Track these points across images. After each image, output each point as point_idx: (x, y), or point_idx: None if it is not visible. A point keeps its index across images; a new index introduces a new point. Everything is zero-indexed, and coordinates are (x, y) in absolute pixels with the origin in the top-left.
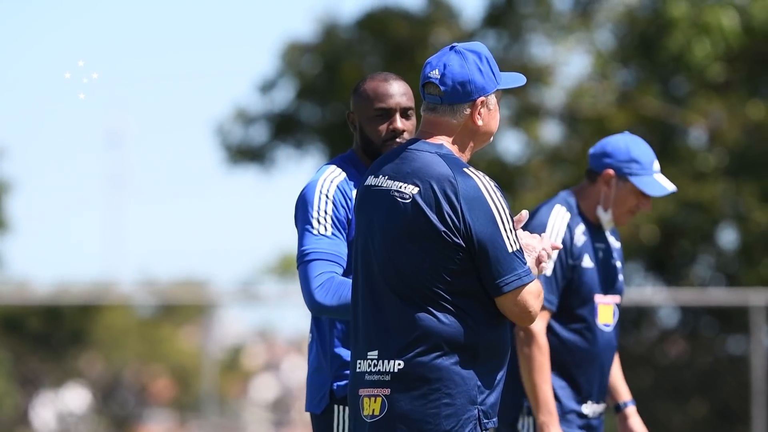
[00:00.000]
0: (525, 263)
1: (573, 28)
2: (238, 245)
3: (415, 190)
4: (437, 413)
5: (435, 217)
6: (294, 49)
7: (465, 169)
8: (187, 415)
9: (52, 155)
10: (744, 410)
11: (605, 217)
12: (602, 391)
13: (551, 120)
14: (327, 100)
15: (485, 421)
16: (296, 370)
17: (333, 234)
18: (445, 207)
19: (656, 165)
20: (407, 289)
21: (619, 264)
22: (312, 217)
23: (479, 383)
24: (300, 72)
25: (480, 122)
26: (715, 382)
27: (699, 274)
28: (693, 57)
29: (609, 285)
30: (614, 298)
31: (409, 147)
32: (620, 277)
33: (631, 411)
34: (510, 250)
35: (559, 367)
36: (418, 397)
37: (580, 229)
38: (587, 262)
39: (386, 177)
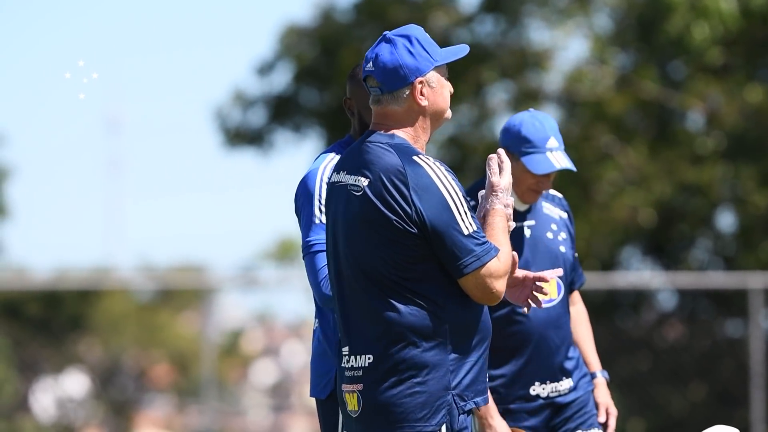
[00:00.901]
0: (485, 242)
1: (571, 13)
2: (237, 230)
3: (366, 182)
4: (409, 402)
5: (384, 207)
6: (292, 33)
7: (414, 157)
8: (186, 400)
9: (51, 141)
10: (743, 393)
11: (514, 198)
12: (557, 369)
13: (550, 104)
14: (325, 83)
15: (462, 403)
16: (295, 355)
17: None
18: (395, 197)
19: (551, 142)
20: (369, 282)
21: (559, 236)
22: (315, 206)
23: (452, 368)
24: (298, 55)
25: (424, 102)
26: (713, 365)
27: (697, 258)
28: (691, 41)
29: (543, 258)
30: (555, 272)
31: (365, 140)
32: (561, 249)
33: (599, 382)
34: (466, 233)
35: (494, 355)
36: (389, 388)
37: None
38: None
39: (345, 172)
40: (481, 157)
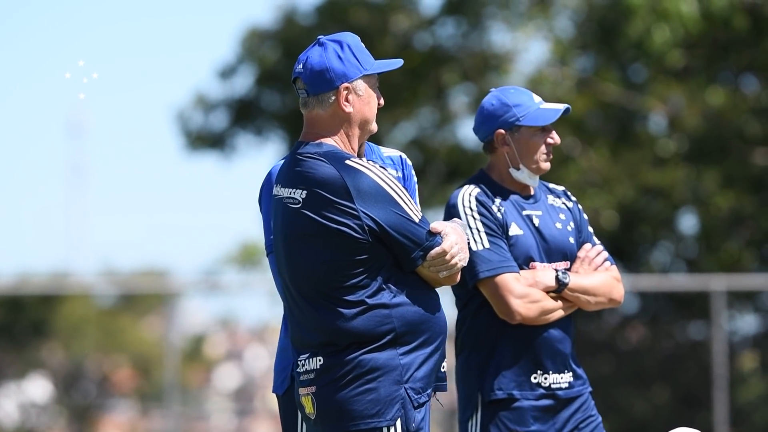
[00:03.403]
0: (434, 234)
1: (532, 15)
2: (199, 234)
3: (302, 194)
4: (360, 400)
5: (324, 218)
6: (254, 36)
7: (347, 162)
8: (149, 405)
9: (12, 145)
10: (705, 395)
11: (522, 175)
12: (562, 361)
13: None
14: (287, 87)
15: (416, 396)
16: (259, 359)
17: None
18: (337, 206)
19: (536, 98)
20: (311, 291)
21: (568, 227)
22: None
23: (402, 362)
24: (260, 58)
25: (349, 109)
26: (676, 367)
27: (659, 260)
28: (652, 43)
29: (552, 251)
30: (564, 265)
31: (295, 152)
32: (570, 240)
33: None
34: (417, 220)
35: (498, 344)
36: (341, 388)
37: (497, 203)
38: (515, 230)
39: (280, 186)
40: (443, 160)
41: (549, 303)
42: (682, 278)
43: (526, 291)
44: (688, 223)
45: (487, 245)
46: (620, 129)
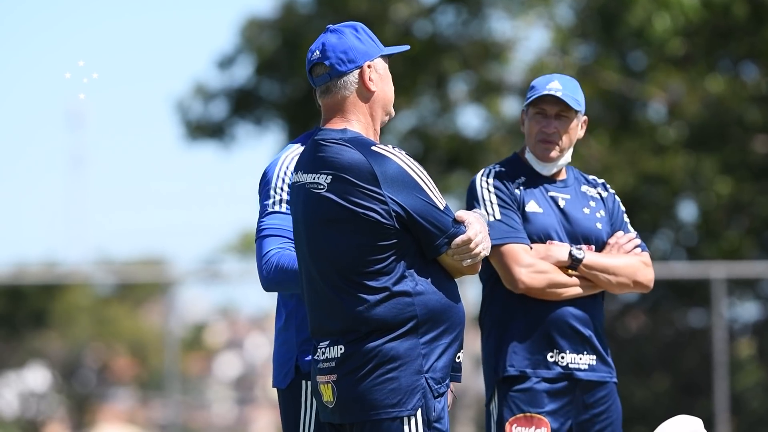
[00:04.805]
0: (457, 223)
1: (532, 3)
2: (199, 223)
3: (326, 179)
4: (381, 389)
5: (349, 203)
6: (253, 25)
7: (374, 148)
8: (149, 394)
9: (12, 135)
10: (706, 383)
11: (531, 159)
12: (581, 341)
13: (511, 95)
14: (286, 76)
15: (436, 386)
16: (259, 347)
17: (288, 209)
18: (364, 192)
19: (554, 84)
20: (335, 276)
21: (597, 214)
22: (270, 194)
23: (423, 352)
24: (259, 48)
25: (374, 87)
26: (676, 355)
27: (659, 248)
28: (653, 31)
29: (575, 233)
30: (586, 248)
31: (317, 138)
32: (597, 225)
33: None
34: (442, 207)
35: (513, 321)
36: (363, 377)
37: (519, 180)
38: (533, 207)
39: (302, 171)
40: (444, 149)
41: (560, 277)
42: (682, 266)
43: (532, 261)
44: (688, 210)
45: (498, 216)
46: (620, 117)
